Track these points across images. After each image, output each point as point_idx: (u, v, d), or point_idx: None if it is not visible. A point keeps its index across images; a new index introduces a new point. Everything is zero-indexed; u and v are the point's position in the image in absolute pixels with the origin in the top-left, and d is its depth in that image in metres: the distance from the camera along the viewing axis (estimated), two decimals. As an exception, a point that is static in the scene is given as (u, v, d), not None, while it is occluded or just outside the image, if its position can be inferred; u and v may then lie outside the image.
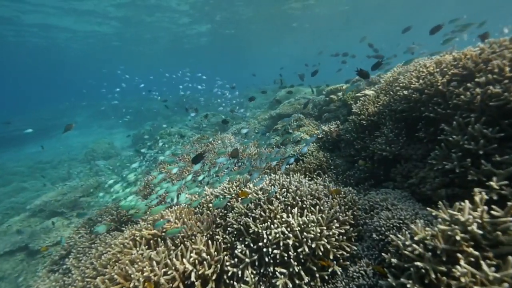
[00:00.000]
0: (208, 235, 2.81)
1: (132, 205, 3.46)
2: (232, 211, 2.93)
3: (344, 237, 2.53)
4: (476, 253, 1.72)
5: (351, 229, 2.59)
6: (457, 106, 2.62)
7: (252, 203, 2.89)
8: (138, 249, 2.70)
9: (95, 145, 13.05)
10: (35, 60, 31.29)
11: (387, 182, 3.35)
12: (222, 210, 3.10)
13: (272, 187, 3.07)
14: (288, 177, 3.32)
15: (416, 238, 2.00)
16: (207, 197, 3.45)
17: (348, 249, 2.47)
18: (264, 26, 24.08)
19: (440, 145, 2.63)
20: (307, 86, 12.76)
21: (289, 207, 2.77)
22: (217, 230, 2.84)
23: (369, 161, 4.00)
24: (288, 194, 2.91)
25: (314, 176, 4.25)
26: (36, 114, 22.93)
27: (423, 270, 1.86)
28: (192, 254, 2.52)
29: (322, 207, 2.70)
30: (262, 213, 2.69)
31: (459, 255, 1.75)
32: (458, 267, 1.68)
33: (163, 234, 2.87)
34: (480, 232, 1.73)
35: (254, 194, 3.03)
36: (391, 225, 2.30)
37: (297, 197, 2.82)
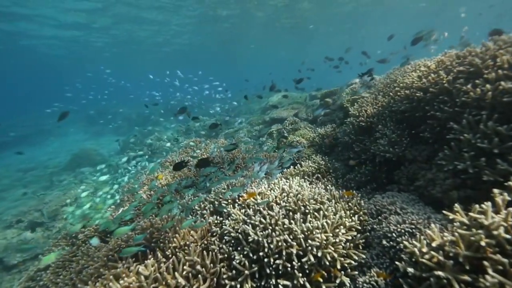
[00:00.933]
0: (203, 244, 2.56)
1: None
2: (229, 218, 2.70)
3: (351, 245, 2.34)
4: (505, 260, 1.55)
5: (358, 235, 2.40)
6: (465, 103, 2.51)
7: (251, 209, 2.67)
8: (124, 262, 2.42)
9: (80, 151, 12.52)
10: (17, 64, 30.33)
11: (391, 185, 3.20)
12: (218, 217, 2.86)
13: (272, 191, 2.86)
14: (288, 181, 3.12)
15: (433, 245, 1.83)
16: (201, 204, 3.20)
17: (356, 258, 2.28)
18: (257, 33, 24.19)
19: (448, 144, 2.50)
20: (298, 91, 12.74)
21: (291, 213, 2.56)
22: (213, 239, 2.60)
23: (369, 163, 3.86)
24: (289, 198, 2.70)
25: (313, 180, 4.07)
26: (17, 121, 22.01)
27: (444, 280, 1.68)
28: (185, 267, 2.26)
29: (326, 212, 2.50)
30: (262, 219, 2.47)
31: (485, 262, 1.58)
32: (487, 276, 1.51)
33: (152, 244, 2.60)
34: (508, 236, 1.57)
35: (252, 199, 2.81)
36: (403, 231, 2.12)
37: (299, 202, 2.62)
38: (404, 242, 1.98)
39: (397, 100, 3.67)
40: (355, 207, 2.63)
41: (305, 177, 4.21)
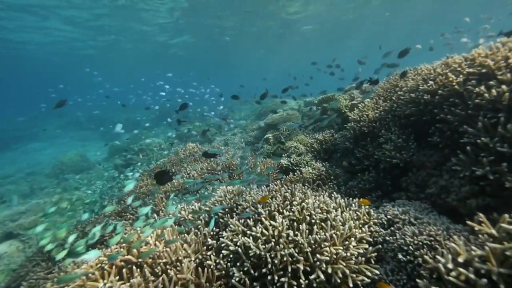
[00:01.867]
0: (197, 260, 2.29)
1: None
2: (227, 229, 2.44)
3: (363, 259, 2.12)
4: (548, 278, 1.36)
5: (370, 248, 2.18)
6: (479, 106, 2.37)
7: (251, 219, 2.43)
8: (106, 281, 2.11)
9: (64, 157, 11.95)
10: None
11: (398, 193, 3.02)
12: (214, 229, 2.59)
13: (274, 199, 2.62)
14: (289, 187, 2.90)
15: (460, 260, 1.63)
16: (195, 213, 2.93)
17: (369, 273, 2.05)
18: (251, 40, 24.26)
19: (463, 149, 2.35)
20: (292, 98, 12.69)
21: (295, 223, 2.33)
22: (209, 253, 2.33)
23: (373, 170, 3.69)
24: (293, 207, 2.48)
25: (314, 187, 3.86)
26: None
27: (477, 302, 1.48)
28: (177, 287, 1.99)
29: (334, 222, 2.28)
30: (264, 231, 2.23)
31: (526, 281, 1.39)
32: (532, 299, 1.31)
33: (140, 260, 2.30)
34: (550, 251, 1.39)
35: (252, 208, 2.57)
36: (420, 243, 1.92)
37: (303, 211, 2.39)
38: (425, 256, 1.78)
39: (400, 104, 3.53)
40: (364, 217, 2.43)
41: (306, 184, 4.00)
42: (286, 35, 23.32)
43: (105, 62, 27.83)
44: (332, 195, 2.85)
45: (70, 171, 11.74)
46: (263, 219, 2.35)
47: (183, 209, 3.11)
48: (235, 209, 2.74)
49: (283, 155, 5.90)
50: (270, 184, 3.17)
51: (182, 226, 2.80)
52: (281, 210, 2.50)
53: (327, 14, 18.57)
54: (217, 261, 2.22)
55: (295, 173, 4.33)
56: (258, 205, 2.57)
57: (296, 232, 2.22)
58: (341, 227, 2.21)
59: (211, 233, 2.55)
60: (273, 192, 2.89)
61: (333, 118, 6.46)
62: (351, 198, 2.74)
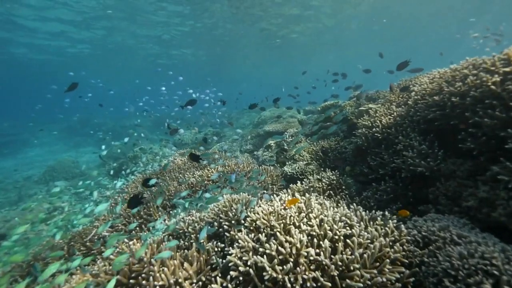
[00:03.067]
0: (200, 283, 1.92)
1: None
2: (235, 245, 2.08)
3: (399, 285, 1.77)
4: None
5: (406, 271, 1.84)
6: (523, 107, 2.09)
7: (263, 234, 2.08)
8: (89, 309, 1.74)
9: (56, 163, 11.45)
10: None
11: (424, 205, 2.70)
12: (218, 243, 2.23)
13: (287, 210, 2.28)
14: (304, 197, 2.56)
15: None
16: (196, 224, 2.56)
17: (408, 303, 1.71)
18: (249, 49, 24.32)
19: (507, 156, 2.05)
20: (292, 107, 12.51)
21: (315, 240, 1.98)
22: (213, 274, 1.96)
23: (390, 179, 3.38)
24: (311, 220, 2.14)
25: (325, 197, 3.53)
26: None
27: None
28: (176, 318, 1.62)
29: (361, 239, 1.94)
30: (280, 248, 1.88)
31: None
32: None
33: (131, 281, 1.93)
34: None
35: (263, 220, 2.22)
36: (473, 268, 1.59)
37: (325, 225, 2.05)
38: (484, 286, 1.45)
39: (420, 109, 3.26)
40: (394, 233, 2.09)
41: (316, 194, 3.66)
42: (282, 46, 23.49)
43: (100, 63, 27.41)
44: (351, 206, 2.51)
45: (61, 178, 11.24)
46: (277, 233, 2.00)
47: (181, 220, 2.75)
48: (242, 221, 2.39)
49: (287, 163, 5.59)
50: (280, 194, 2.83)
51: (180, 240, 2.43)
52: (297, 224, 2.16)
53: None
54: (224, 284, 1.85)
55: (303, 182, 4.01)
56: (271, 217, 2.22)
57: (318, 251, 1.88)
58: (371, 245, 1.87)
59: (216, 249, 2.19)
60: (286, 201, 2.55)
61: (339, 124, 6.21)
62: (374, 211, 2.41)
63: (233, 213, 2.41)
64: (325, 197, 3.53)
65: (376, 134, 3.82)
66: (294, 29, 18.68)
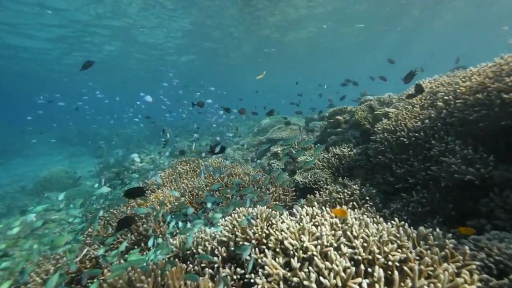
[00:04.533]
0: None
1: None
2: (259, 272, 1.66)
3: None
4: None
5: (484, 308, 1.43)
6: None
7: (295, 258, 1.66)
8: None
9: (48, 174, 10.92)
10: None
11: (475, 220, 2.30)
12: (237, 270, 1.81)
13: (319, 227, 1.87)
14: (332, 211, 2.15)
15: None
16: (207, 243, 2.13)
17: None
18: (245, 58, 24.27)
19: None
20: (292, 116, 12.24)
21: (361, 266, 1.57)
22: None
23: (422, 189, 2.99)
24: (354, 241, 1.73)
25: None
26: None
27: None
28: None
29: (422, 266, 1.54)
30: (321, 278, 1.47)
31: None
32: None
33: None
34: None
35: (292, 240, 1.80)
36: None
37: (372, 247, 1.65)
38: None
39: (457, 109, 2.92)
40: (457, 257, 1.69)
41: (337, 205, 3.26)
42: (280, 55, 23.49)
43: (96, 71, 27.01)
44: (392, 222, 2.11)
45: (54, 189, 10.70)
46: (315, 259, 1.59)
47: (188, 236, 2.32)
48: (264, 241, 1.97)
49: (297, 172, 5.20)
50: (302, 207, 2.43)
51: (189, 265, 2.00)
52: (334, 244, 1.75)
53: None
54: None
55: (320, 192, 3.61)
56: (302, 236, 1.81)
57: (368, 281, 1.47)
58: (441, 275, 1.46)
59: (234, 276, 1.77)
60: (313, 216, 2.15)
61: (350, 130, 5.86)
62: (422, 228, 2.01)
63: (252, 231, 2.00)
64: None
65: (401, 138, 3.46)
66: (296, 34, 18.63)
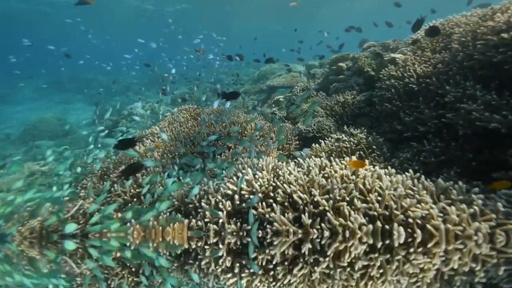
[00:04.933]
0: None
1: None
2: (267, 229, 1.56)
3: None
4: None
5: None
6: None
7: (305, 213, 1.55)
8: None
9: (38, 121, 10.49)
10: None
11: (503, 172, 2.14)
12: (243, 226, 1.71)
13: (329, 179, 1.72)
14: (338, 161, 1.99)
15: None
16: (210, 196, 2.00)
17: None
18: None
19: None
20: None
21: (378, 223, 1.46)
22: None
23: (435, 138, 2.83)
24: (365, 194, 1.60)
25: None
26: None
27: None
28: None
29: (452, 226, 1.42)
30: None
31: None
32: None
33: None
34: None
35: (302, 194, 1.67)
36: None
37: (389, 201, 1.52)
38: None
39: (477, 51, 2.58)
40: (488, 215, 1.57)
41: (344, 155, 3.14)
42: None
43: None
44: (407, 173, 1.98)
45: (44, 137, 10.40)
46: (328, 215, 1.47)
47: (192, 189, 2.20)
48: (271, 194, 1.85)
49: (301, 120, 4.99)
50: (310, 158, 2.26)
51: (191, 219, 1.91)
52: (347, 199, 1.63)
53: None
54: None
55: (326, 141, 3.45)
56: (312, 189, 1.67)
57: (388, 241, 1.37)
58: (473, 236, 1.35)
59: (241, 233, 1.68)
60: (322, 168, 2.00)
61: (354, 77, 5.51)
62: (442, 180, 1.88)
63: (259, 183, 1.86)
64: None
65: (410, 85, 3.19)
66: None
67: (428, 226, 1.37)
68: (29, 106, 17.30)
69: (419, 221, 1.42)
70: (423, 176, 1.87)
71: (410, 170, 1.99)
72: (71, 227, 1.41)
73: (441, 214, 1.46)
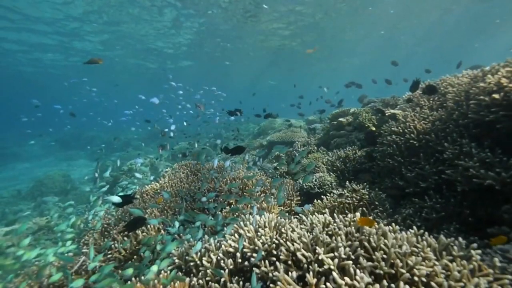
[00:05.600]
0: None
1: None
2: (271, 290, 1.50)
3: None
4: None
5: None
6: None
7: (310, 272, 1.51)
8: None
9: (45, 178, 10.71)
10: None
11: (496, 228, 2.17)
12: (246, 285, 1.65)
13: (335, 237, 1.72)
14: (347, 219, 2.00)
15: None
16: (211, 254, 1.97)
17: None
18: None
19: None
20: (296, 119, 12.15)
21: (384, 282, 1.42)
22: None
23: (435, 194, 2.86)
24: (374, 253, 1.58)
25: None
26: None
27: None
28: None
29: (452, 282, 1.39)
30: (342, 297, 1.32)
31: None
32: None
33: None
34: None
35: (305, 252, 1.65)
36: None
37: (395, 259, 1.50)
38: None
39: (471, 111, 2.80)
40: (486, 270, 1.55)
41: (346, 212, 3.12)
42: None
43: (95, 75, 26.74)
44: (411, 230, 1.97)
45: (50, 193, 10.49)
46: (334, 274, 1.44)
47: (189, 246, 2.16)
48: (274, 252, 1.82)
49: (301, 175, 5.06)
50: (312, 214, 2.28)
51: (192, 277, 1.85)
52: (352, 257, 1.60)
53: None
54: None
55: (328, 197, 3.47)
56: (317, 247, 1.66)
57: (393, 299, 1.32)
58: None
59: (242, 292, 1.62)
60: (326, 225, 2.00)
61: (355, 132, 5.75)
62: (444, 237, 1.87)
63: (261, 241, 1.85)
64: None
65: (411, 141, 3.34)
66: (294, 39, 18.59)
67: (432, 283, 1.34)
68: (38, 163, 17.71)
69: (424, 279, 1.38)
70: (426, 233, 1.87)
71: (414, 227, 1.99)
72: (78, 283, 1.38)
73: (444, 271, 1.43)
